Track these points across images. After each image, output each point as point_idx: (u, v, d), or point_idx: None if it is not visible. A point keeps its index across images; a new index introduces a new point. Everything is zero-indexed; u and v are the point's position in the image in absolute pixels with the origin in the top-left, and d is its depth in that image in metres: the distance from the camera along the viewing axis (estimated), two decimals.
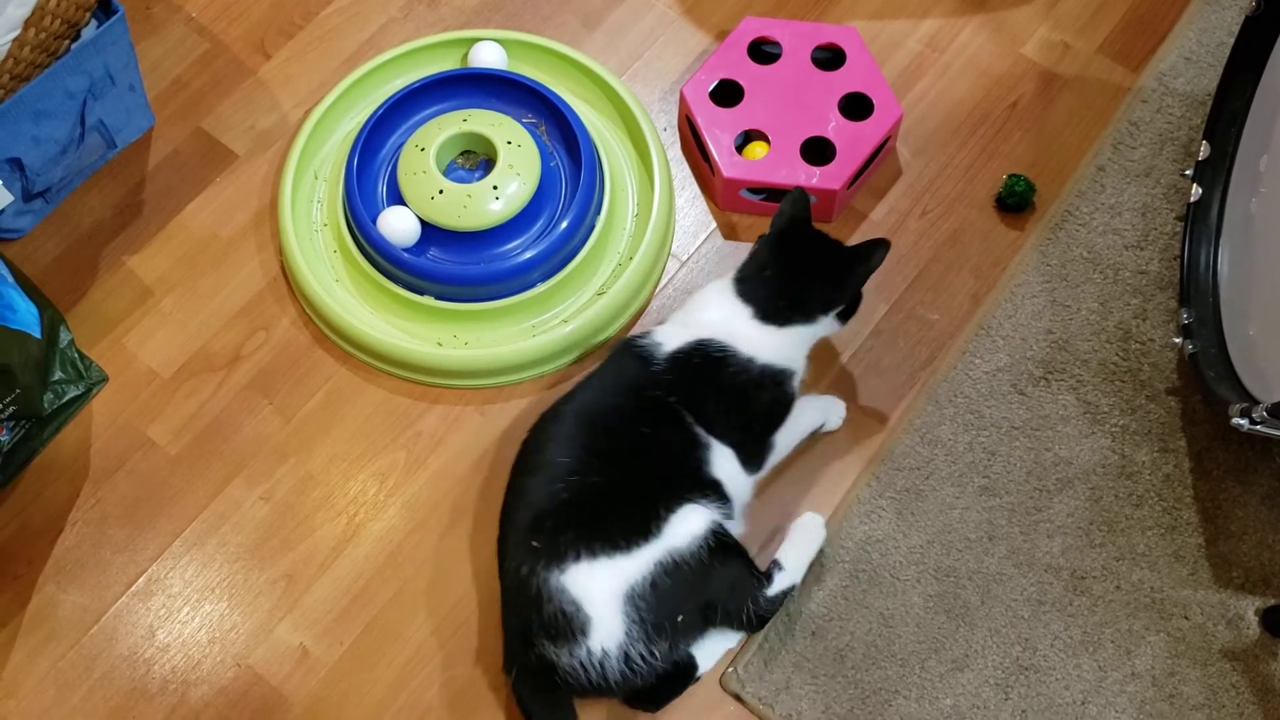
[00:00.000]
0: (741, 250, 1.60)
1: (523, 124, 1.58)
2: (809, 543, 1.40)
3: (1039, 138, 1.66)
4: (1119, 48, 1.72)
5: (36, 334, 1.45)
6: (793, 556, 1.39)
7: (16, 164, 1.50)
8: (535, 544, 1.28)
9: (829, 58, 1.65)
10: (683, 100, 1.63)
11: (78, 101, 1.53)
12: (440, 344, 1.52)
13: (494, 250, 1.55)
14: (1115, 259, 1.58)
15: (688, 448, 1.34)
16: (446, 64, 1.69)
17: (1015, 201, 1.60)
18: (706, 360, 1.36)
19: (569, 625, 1.25)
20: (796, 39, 1.65)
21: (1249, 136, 1.48)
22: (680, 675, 1.35)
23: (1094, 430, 1.48)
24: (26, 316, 1.45)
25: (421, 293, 1.54)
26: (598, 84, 1.68)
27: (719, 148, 1.58)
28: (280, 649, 1.40)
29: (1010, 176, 1.60)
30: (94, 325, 1.57)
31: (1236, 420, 1.27)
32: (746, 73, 1.63)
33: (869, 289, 1.57)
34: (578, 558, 1.26)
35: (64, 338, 1.51)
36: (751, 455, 1.39)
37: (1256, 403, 1.27)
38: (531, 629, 1.27)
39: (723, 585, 1.31)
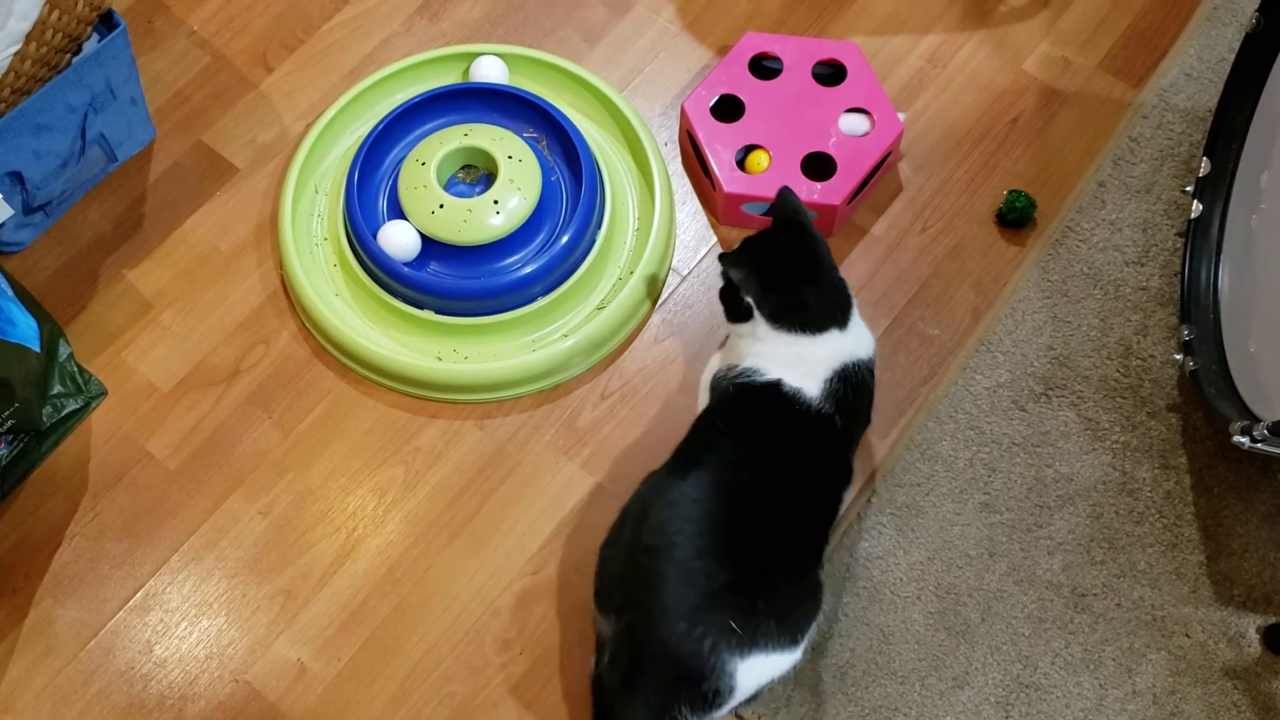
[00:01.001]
0: None
1: (523, 138, 1.58)
2: None
3: (1040, 153, 1.66)
4: (1120, 63, 1.72)
5: (36, 347, 1.45)
6: None
7: (17, 177, 1.50)
8: (733, 625, 1.19)
9: (830, 73, 1.65)
10: (683, 115, 1.63)
11: (79, 115, 1.53)
12: (440, 358, 1.52)
13: (494, 265, 1.55)
14: (1116, 275, 1.57)
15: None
16: (448, 78, 1.69)
17: (1016, 217, 1.60)
18: (855, 379, 1.31)
19: (714, 700, 1.20)
20: (797, 54, 1.65)
21: (1249, 153, 1.48)
22: None
23: (1095, 447, 1.47)
24: (26, 330, 1.45)
25: (422, 307, 1.54)
26: (599, 99, 1.68)
27: (719, 163, 1.58)
28: (278, 664, 1.39)
29: (1011, 192, 1.60)
30: (93, 339, 1.57)
31: (1237, 438, 1.26)
32: (747, 88, 1.63)
33: (869, 303, 1.57)
34: (762, 648, 1.21)
35: (63, 351, 1.51)
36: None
37: (1257, 420, 1.27)
38: (678, 694, 1.20)
39: None
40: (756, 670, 1.22)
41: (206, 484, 1.49)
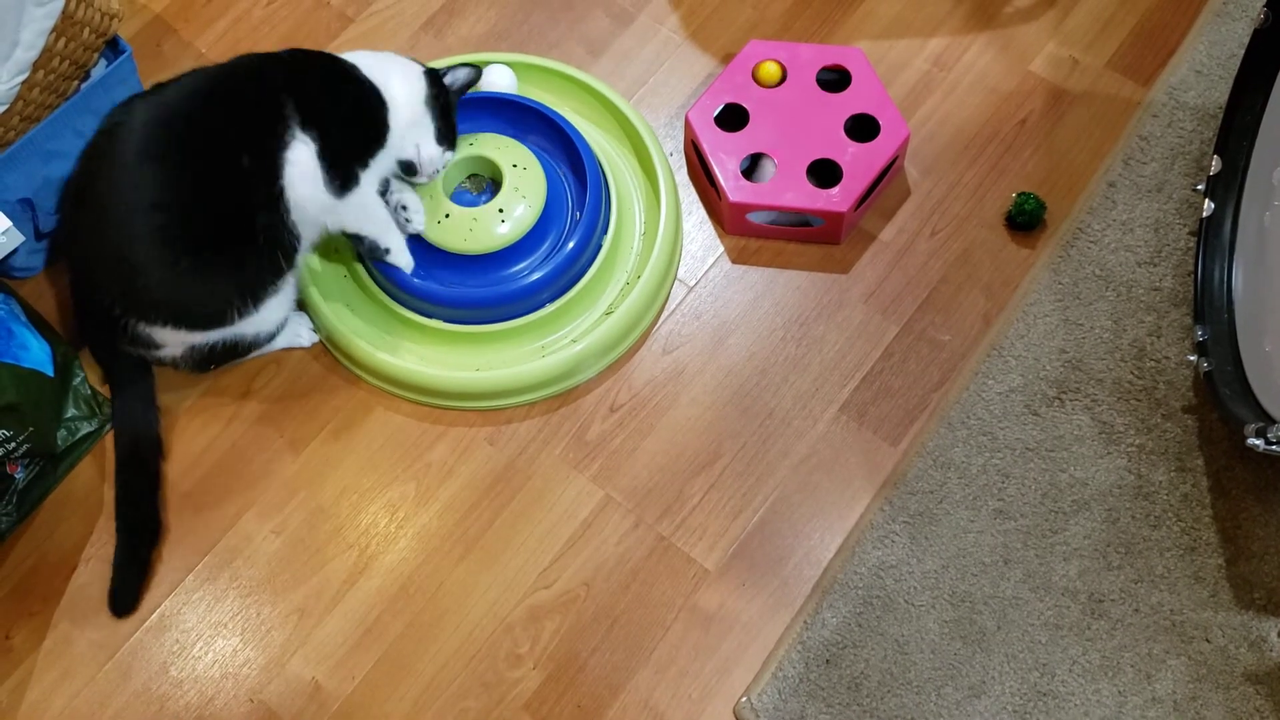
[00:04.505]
0: (750, 274, 1.60)
1: (531, 147, 1.58)
2: (288, 336, 1.55)
3: (1049, 155, 1.65)
4: (1128, 62, 1.71)
5: (49, 372, 1.46)
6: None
7: (28, 204, 1.51)
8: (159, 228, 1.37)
9: (835, 79, 1.65)
10: (688, 125, 1.63)
11: (87, 141, 1.54)
12: (451, 366, 1.52)
13: (502, 272, 1.55)
14: (1128, 276, 1.56)
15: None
16: None
17: (1025, 220, 1.59)
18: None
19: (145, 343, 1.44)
20: (802, 61, 1.65)
21: (1261, 150, 1.46)
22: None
23: (1110, 450, 1.46)
24: (39, 355, 1.46)
25: (431, 316, 1.54)
26: (605, 106, 1.68)
27: (724, 172, 1.58)
28: (293, 684, 1.40)
29: (1020, 194, 1.59)
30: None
31: (1252, 440, 1.25)
32: (752, 96, 1.63)
33: (879, 309, 1.56)
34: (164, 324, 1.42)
35: (77, 375, 1.53)
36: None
37: (1273, 422, 1.25)
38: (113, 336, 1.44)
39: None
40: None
41: (219, 504, 1.49)
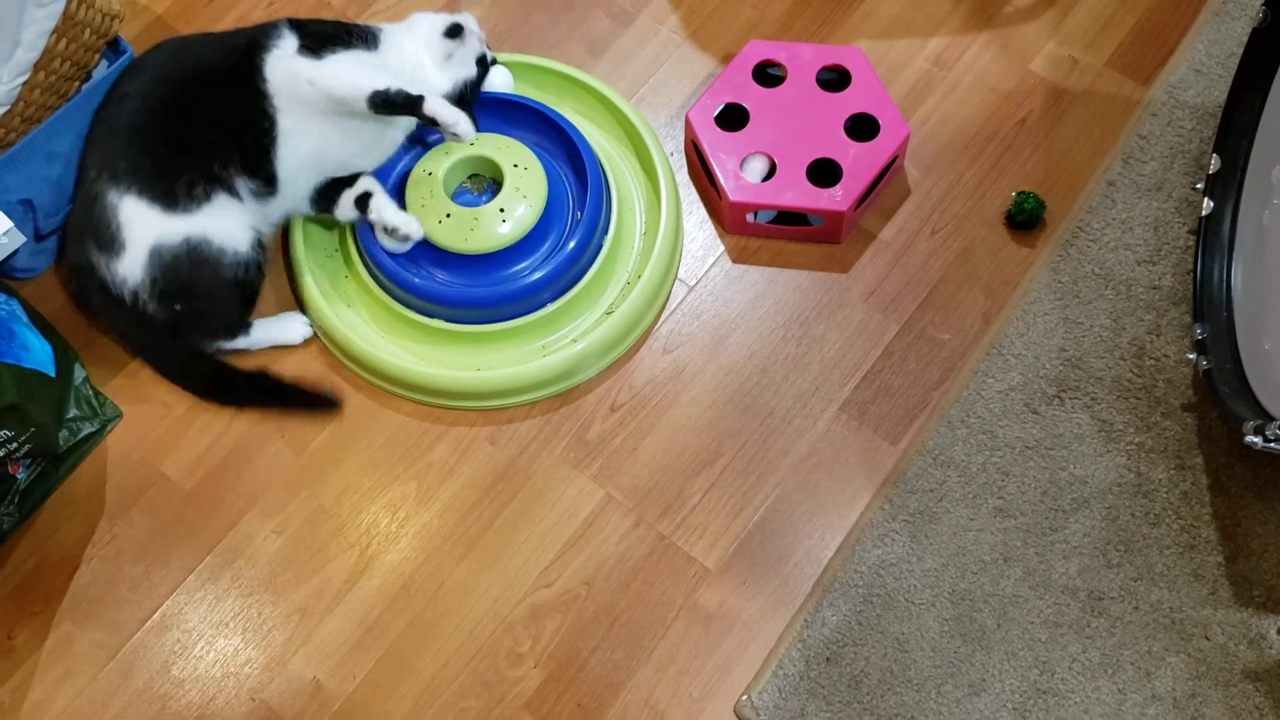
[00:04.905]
0: (751, 274, 1.60)
1: (534, 149, 1.59)
2: (281, 331, 1.56)
3: (1048, 154, 1.65)
4: (1128, 61, 1.71)
5: (51, 372, 1.46)
6: (263, 330, 1.55)
7: (29, 205, 1.52)
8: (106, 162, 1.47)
9: (835, 79, 1.65)
10: (688, 125, 1.63)
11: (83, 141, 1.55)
12: (452, 366, 1.53)
13: (503, 272, 1.55)
14: (1128, 274, 1.56)
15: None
16: None
17: (1025, 219, 1.59)
18: None
19: (110, 240, 1.46)
20: (801, 61, 1.65)
21: (1260, 148, 1.46)
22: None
23: (1109, 448, 1.46)
24: (41, 355, 1.47)
25: (432, 316, 1.54)
26: (605, 106, 1.68)
27: (724, 172, 1.58)
28: (294, 683, 1.40)
29: (1020, 193, 1.59)
30: (108, 362, 1.58)
31: (1250, 438, 1.25)
32: (751, 96, 1.63)
33: (879, 308, 1.56)
34: (128, 189, 1.45)
35: (79, 375, 1.53)
36: None
37: (1271, 419, 1.25)
38: (83, 228, 1.49)
39: (215, 307, 1.50)
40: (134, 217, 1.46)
41: (221, 504, 1.50)
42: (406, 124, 1.57)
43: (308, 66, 1.46)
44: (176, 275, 1.46)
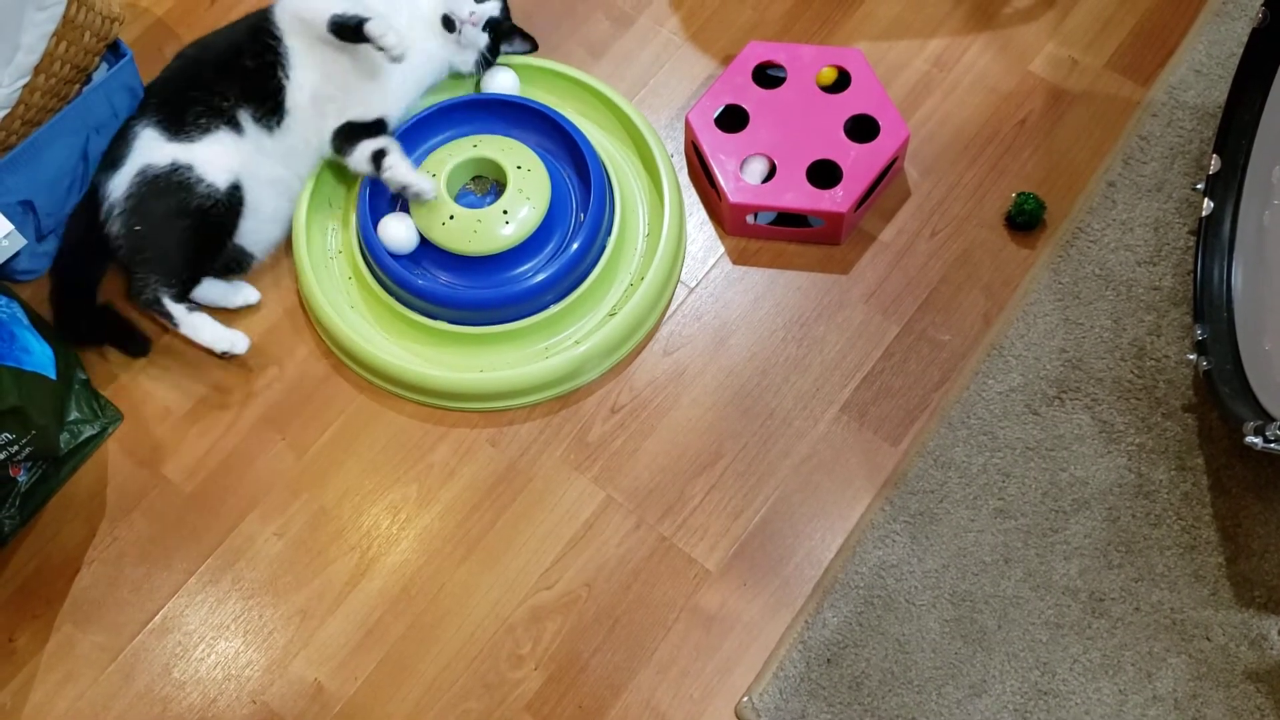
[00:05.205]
0: (751, 275, 1.60)
1: (537, 151, 1.59)
2: (226, 294, 1.59)
3: (1048, 154, 1.65)
4: (1128, 62, 1.71)
5: (52, 375, 1.47)
6: (198, 319, 1.54)
7: (29, 207, 1.52)
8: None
9: (834, 80, 1.65)
10: (688, 127, 1.63)
11: (88, 143, 1.55)
12: (455, 368, 1.53)
13: (506, 274, 1.56)
14: (1128, 275, 1.56)
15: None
16: (460, 90, 1.70)
17: (1025, 219, 1.59)
18: None
19: (114, 161, 1.55)
20: (801, 62, 1.65)
21: (1260, 149, 1.46)
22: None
23: (1110, 449, 1.46)
24: (42, 358, 1.47)
25: (435, 317, 1.54)
26: (609, 107, 1.68)
27: (724, 173, 1.58)
28: (295, 685, 1.40)
29: (1020, 194, 1.59)
30: (109, 364, 1.59)
31: (1250, 439, 1.25)
32: (751, 97, 1.63)
33: (879, 309, 1.56)
34: (149, 122, 1.55)
35: (79, 377, 1.53)
36: None
37: (1272, 420, 1.25)
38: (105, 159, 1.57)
39: (169, 244, 1.53)
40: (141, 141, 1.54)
41: (222, 506, 1.50)
42: (415, 69, 1.60)
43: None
44: (149, 195, 1.52)
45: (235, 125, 1.54)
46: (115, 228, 1.53)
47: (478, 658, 1.40)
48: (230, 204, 1.53)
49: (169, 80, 1.61)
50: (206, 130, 1.53)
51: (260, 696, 1.40)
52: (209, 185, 1.51)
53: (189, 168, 1.51)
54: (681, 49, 1.77)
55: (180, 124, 1.54)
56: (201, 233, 1.53)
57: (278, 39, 1.55)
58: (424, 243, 1.55)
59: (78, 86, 1.56)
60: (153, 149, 1.53)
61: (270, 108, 1.55)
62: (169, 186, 1.51)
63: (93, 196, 1.56)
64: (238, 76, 1.55)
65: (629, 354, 1.56)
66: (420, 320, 1.55)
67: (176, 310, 1.53)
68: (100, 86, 1.54)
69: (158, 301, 1.52)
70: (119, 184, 1.53)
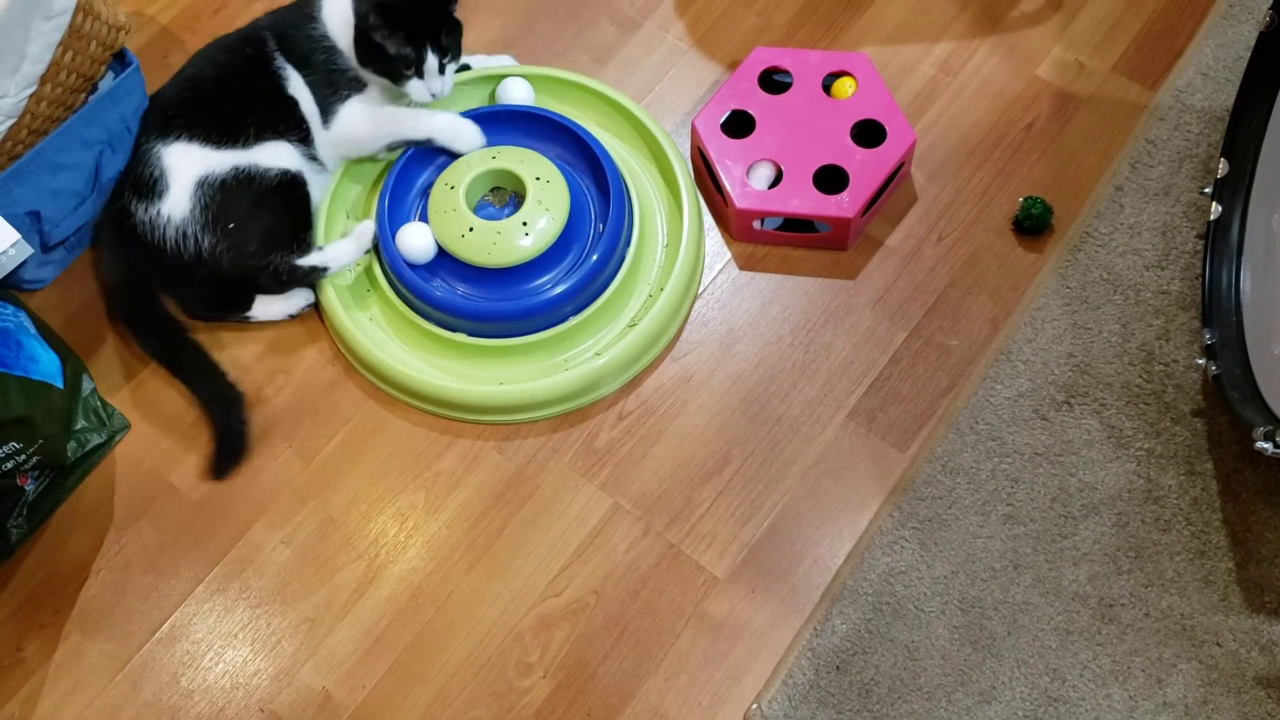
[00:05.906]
0: (758, 281, 1.60)
1: (555, 162, 1.59)
2: (357, 246, 1.57)
3: (1055, 159, 1.65)
4: (1134, 65, 1.70)
5: (59, 384, 1.47)
6: (335, 249, 1.56)
7: (35, 216, 1.52)
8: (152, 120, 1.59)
9: (852, 95, 1.64)
10: (694, 132, 1.63)
11: (94, 152, 1.55)
12: (474, 380, 1.52)
13: (525, 286, 1.55)
14: (1136, 279, 1.56)
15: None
16: (474, 101, 1.70)
17: (1032, 224, 1.59)
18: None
19: (151, 186, 1.54)
20: (807, 67, 1.65)
21: (1268, 152, 1.46)
22: (231, 303, 1.60)
23: (1119, 454, 1.46)
24: (49, 367, 1.47)
25: (454, 330, 1.54)
26: (625, 116, 1.68)
27: (731, 179, 1.58)
28: (303, 694, 1.40)
29: (1027, 199, 1.59)
30: (116, 373, 1.59)
31: (1260, 444, 1.25)
32: (757, 103, 1.63)
33: (887, 314, 1.56)
34: (178, 138, 1.55)
35: (86, 386, 1.53)
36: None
37: None
38: (124, 183, 1.57)
39: (269, 222, 1.54)
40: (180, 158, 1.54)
41: (229, 515, 1.50)
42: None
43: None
44: (224, 198, 1.52)
45: (283, 137, 1.58)
46: (205, 244, 1.52)
47: (486, 665, 1.40)
48: (310, 176, 1.59)
49: (186, 94, 1.60)
50: (257, 140, 1.55)
51: (268, 705, 1.40)
52: (279, 170, 1.54)
53: (254, 165, 1.54)
54: (687, 54, 1.76)
55: (229, 135, 1.54)
56: (293, 198, 1.56)
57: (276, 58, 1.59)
58: (442, 255, 1.55)
59: (84, 96, 1.56)
60: (198, 163, 1.53)
61: (294, 121, 1.59)
62: (243, 180, 1.53)
63: (134, 228, 1.55)
64: (270, 109, 1.58)
65: (650, 364, 1.55)
66: (439, 333, 1.54)
67: (316, 259, 1.56)
68: (107, 96, 1.54)
69: (294, 269, 1.54)
70: (176, 206, 1.52)
